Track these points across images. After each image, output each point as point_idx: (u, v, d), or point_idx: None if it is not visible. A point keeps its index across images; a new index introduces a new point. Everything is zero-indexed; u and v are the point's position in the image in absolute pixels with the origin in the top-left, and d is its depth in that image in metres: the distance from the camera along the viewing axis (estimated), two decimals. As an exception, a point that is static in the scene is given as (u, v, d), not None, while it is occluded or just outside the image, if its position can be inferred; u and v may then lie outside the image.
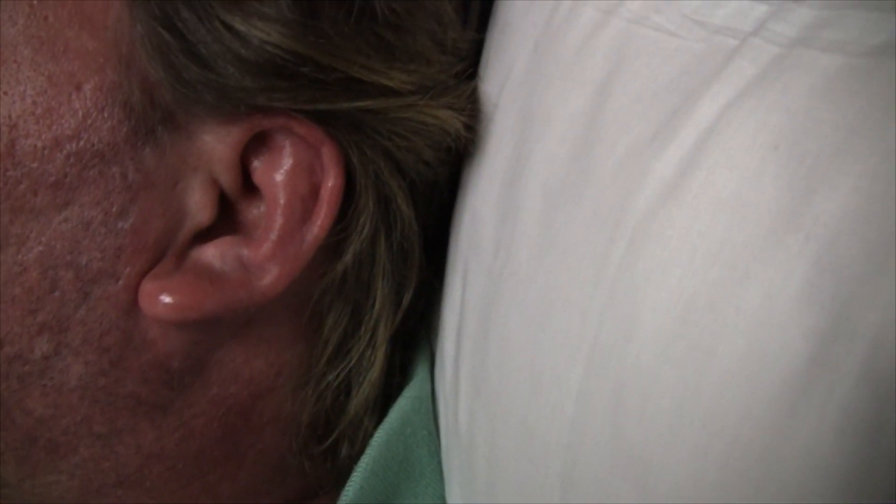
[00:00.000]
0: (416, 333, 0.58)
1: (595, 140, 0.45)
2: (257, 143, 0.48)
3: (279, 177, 0.48)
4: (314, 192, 0.48)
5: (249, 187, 0.48)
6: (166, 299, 0.47)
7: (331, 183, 0.48)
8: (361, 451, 0.53)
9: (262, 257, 0.48)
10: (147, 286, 0.47)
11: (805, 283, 0.38)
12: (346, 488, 0.52)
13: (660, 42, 0.44)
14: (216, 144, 0.47)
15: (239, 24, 0.44)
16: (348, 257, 0.51)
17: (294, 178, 0.48)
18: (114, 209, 0.46)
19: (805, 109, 0.40)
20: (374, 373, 0.53)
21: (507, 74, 0.51)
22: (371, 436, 0.53)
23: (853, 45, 0.39)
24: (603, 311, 0.43)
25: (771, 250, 0.39)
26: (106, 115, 0.45)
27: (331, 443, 0.54)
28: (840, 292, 0.37)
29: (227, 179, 0.48)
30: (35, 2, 0.44)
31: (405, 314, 0.54)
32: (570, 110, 0.46)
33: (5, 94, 0.44)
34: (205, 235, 0.48)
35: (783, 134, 0.40)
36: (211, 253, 0.48)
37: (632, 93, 0.45)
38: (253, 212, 0.49)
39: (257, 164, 0.48)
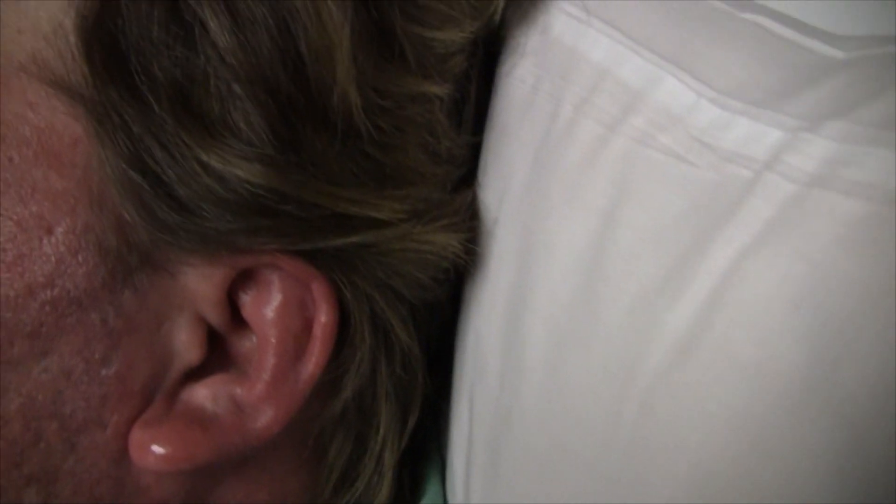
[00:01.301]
0: (424, 445, 0.56)
1: (601, 280, 0.43)
2: (244, 278, 0.46)
3: (269, 313, 0.46)
4: (307, 327, 0.46)
5: (239, 320, 0.46)
6: (158, 450, 0.45)
7: (323, 319, 0.46)
8: None
9: (256, 398, 0.46)
10: (137, 435, 0.45)
11: (835, 469, 0.36)
12: None
13: (667, 167, 0.42)
14: (200, 283, 0.45)
15: (216, 163, 0.42)
16: (347, 392, 0.49)
17: (285, 314, 0.46)
18: (96, 357, 0.44)
19: (828, 263, 0.37)
20: (383, 497, 0.52)
21: (506, 185, 0.49)
22: None
23: (878, 191, 0.37)
24: (617, 475, 0.42)
25: (796, 428, 0.37)
26: (80, 259, 0.43)
27: None
28: (873, 475, 0.35)
29: (215, 316, 0.46)
30: None
31: (411, 434, 0.52)
32: (575, 241, 0.44)
33: None
34: (195, 374, 0.46)
35: (804, 291, 0.37)
36: (202, 394, 0.46)
37: (639, 227, 0.42)
38: (244, 344, 0.47)
39: (246, 300, 0.46)
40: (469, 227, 0.50)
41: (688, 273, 0.40)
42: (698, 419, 0.39)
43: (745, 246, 0.39)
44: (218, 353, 0.47)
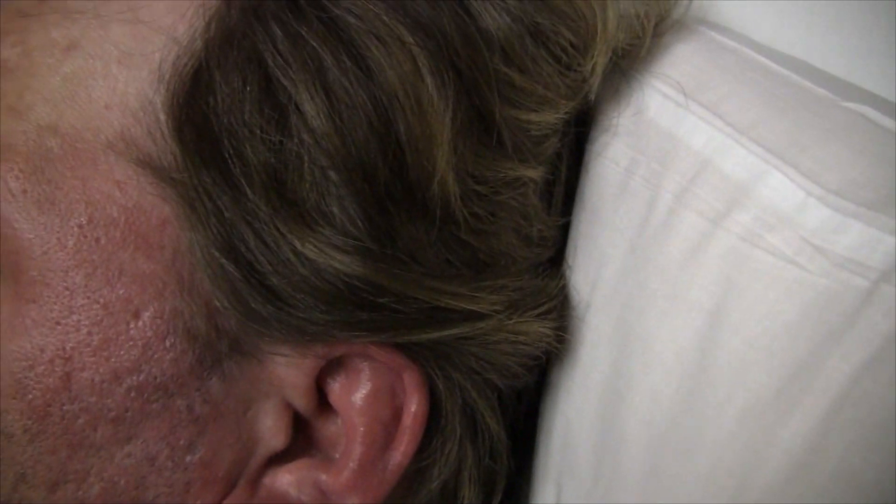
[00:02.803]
0: None
1: (707, 386, 0.42)
2: (333, 364, 0.45)
3: (358, 401, 0.45)
4: (396, 416, 0.45)
5: (325, 404, 0.46)
6: None
7: (413, 408, 0.45)
8: None
9: (342, 486, 0.45)
10: None
11: None
12: None
13: (777, 270, 0.41)
14: (289, 370, 0.44)
15: (312, 253, 0.41)
16: (434, 483, 0.48)
17: (374, 402, 0.45)
18: (181, 443, 0.43)
19: None
20: None
21: (599, 271, 0.48)
22: None
23: None
24: None
25: None
26: (168, 345, 0.42)
27: None
28: None
29: (302, 403, 0.45)
30: (84, 222, 0.42)
31: None
32: (677, 341, 0.43)
33: (57, 324, 0.42)
34: (279, 457, 0.46)
35: None
36: (287, 480, 0.46)
37: (749, 333, 0.41)
38: (330, 428, 0.46)
39: (334, 386, 0.45)
40: (560, 313, 0.49)
41: (803, 387, 0.40)
42: None
43: (863, 362, 0.38)
44: (302, 437, 0.46)
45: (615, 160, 0.48)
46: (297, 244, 0.41)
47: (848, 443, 0.38)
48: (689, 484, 0.42)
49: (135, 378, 0.42)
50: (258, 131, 0.41)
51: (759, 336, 0.41)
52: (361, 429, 0.45)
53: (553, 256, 0.50)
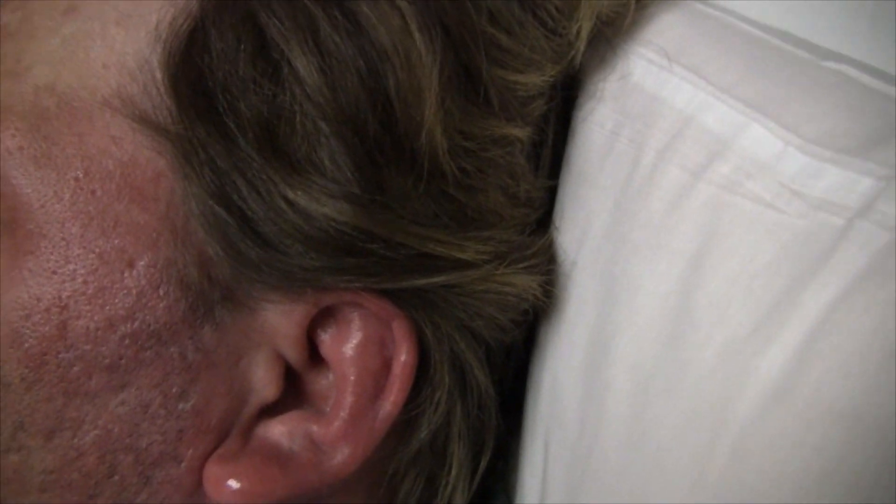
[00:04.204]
0: (493, 489, 0.56)
1: (689, 326, 0.42)
2: (324, 315, 0.46)
3: (348, 351, 0.46)
4: (386, 366, 0.46)
5: (316, 357, 0.46)
6: (234, 485, 0.44)
7: (403, 358, 0.46)
8: None
9: (333, 436, 0.45)
10: (213, 470, 0.45)
11: None
12: None
13: (756, 214, 0.42)
14: (280, 320, 0.45)
15: (302, 200, 0.42)
16: (423, 433, 0.48)
17: (364, 352, 0.45)
18: (173, 391, 0.44)
19: None
20: None
21: (585, 229, 0.49)
22: None
23: None
24: None
25: (894, 478, 0.36)
26: (161, 293, 0.43)
27: None
28: None
29: (293, 354, 0.45)
30: (80, 175, 0.42)
31: (482, 475, 0.52)
32: (659, 287, 0.44)
33: (54, 273, 0.42)
34: (271, 410, 0.46)
35: None
36: (278, 431, 0.46)
37: (727, 274, 0.42)
38: (321, 382, 0.47)
39: (325, 337, 0.46)
40: (548, 270, 0.50)
41: (780, 320, 0.40)
42: (792, 466, 0.38)
43: (838, 294, 0.39)
44: (293, 390, 0.46)
45: (601, 123, 0.49)
46: (289, 192, 0.41)
47: (824, 370, 0.38)
48: (672, 422, 0.42)
49: (129, 326, 0.43)
50: (252, 85, 0.41)
51: (738, 276, 0.42)
52: (352, 378, 0.45)
53: (540, 218, 0.50)
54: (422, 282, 0.44)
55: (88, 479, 0.44)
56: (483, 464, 0.51)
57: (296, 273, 0.43)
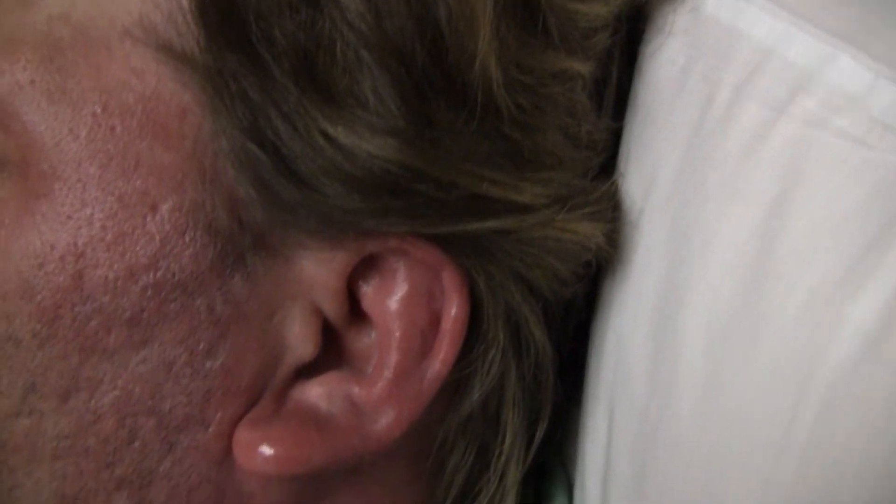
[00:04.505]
0: (550, 462, 0.53)
1: (770, 275, 0.40)
2: (366, 266, 0.43)
3: (393, 304, 0.43)
4: (434, 321, 0.43)
5: (357, 312, 0.44)
6: (267, 451, 0.42)
7: (453, 312, 0.43)
8: None
9: (377, 398, 0.43)
10: (244, 435, 0.42)
11: None
12: None
13: (844, 152, 0.39)
14: (318, 270, 0.42)
15: (343, 136, 0.39)
16: (474, 396, 0.46)
17: (410, 306, 0.43)
18: (200, 347, 0.42)
19: None
20: None
21: (653, 176, 0.46)
22: None
23: None
24: (791, 485, 0.39)
25: None
26: (187, 239, 0.40)
27: None
28: None
29: (332, 308, 0.43)
30: (98, 110, 0.40)
31: (538, 447, 0.49)
32: (736, 235, 0.42)
33: (69, 218, 0.40)
34: (307, 371, 0.44)
35: None
36: (316, 393, 0.44)
37: (813, 217, 0.40)
38: (363, 340, 0.44)
39: (367, 290, 0.43)
40: (612, 218, 0.47)
41: (872, 264, 0.38)
42: (888, 423, 0.37)
43: None
44: (332, 349, 0.44)
45: (671, 60, 0.46)
46: (328, 127, 0.39)
47: None
48: (753, 380, 0.40)
49: (151, 275, 0.41)
50: (287, 11, 0.39)
51: (824, 219, 0.39)
52: (397, 334, 0.43)
53: (604, 164, 0.47)
54: (474, 226, 0.42)
55: (106, 446, 0.42)
56: (539, 433, 0.49)
57: (335, 216, 0.40)
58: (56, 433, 0.42)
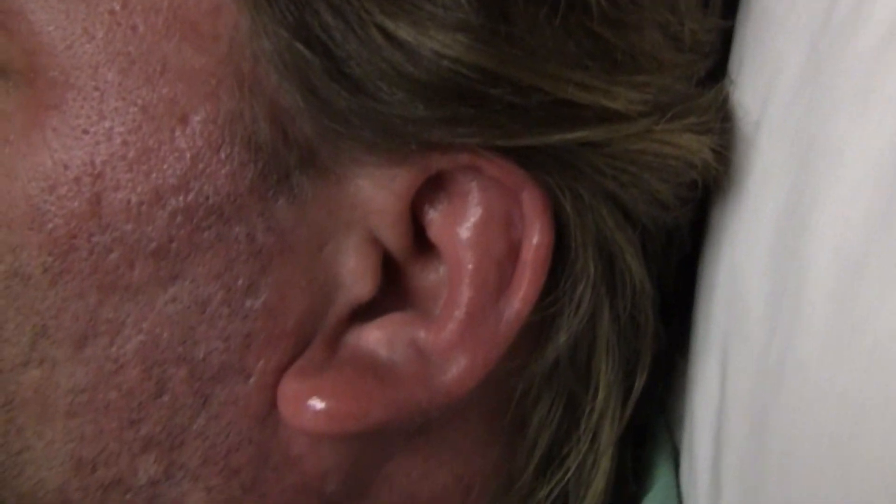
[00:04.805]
0: (651, 423, 0.49)
1: None
2: (433, 188, 0.39)
3: (465, 232, 0.39)
4: (513, 251, 0.39)
5: (422, 244, 0.40)
6: (318, 405, 0.38)
7: (535, 240, 0.39)
8: None
9: (446, 343, 0.39)
10: (290, 387, 0.39)
11: None
12: None
13: None
14: (376, 191, 0.38)
15: (405, 33, 0.36)
16: (561, 339, 0.42)
17: (485, 233, 0.39)
18: (239, 283, 0.38)
19: None
20: (599, 483, 0.44)
21: (771, 83, 0.42)
22: None
23: None
24: None
25: None
26: (223, 156, 0.37)
27: None
28: None
29: (393, 237, 0.39)
30: (117, 7, 0.37)
31: (637, 403, 0.45)
32: (872, 144, 0.37)
33: (85, 132, 0.37)
34: (364, 312, 0.40)
35: None
36: (374, 337, 0.40)
37: None
38: (429, 276, 0.41)
39: (434, 215, 0.40)
40: (721, 132, 0.43)
41: None
42: None
43: None
44: (393, 286, 0.41)
45: None
46: (387, 22, 0.36)
47: None
48: (892, 317, 0.35)
49: (181, 199, 0.37)
50: None
51: None
52: (470, 267, 0.39)
53: (711, 69, 0.44)
54: (559, 137, 0.38)
55: (130, 400, 0.39)
56: (638, 386, 0.45)
57: (396, 126, 0.37)
58: (71, 386, 0.39)
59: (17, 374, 0.39)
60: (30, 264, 0.38)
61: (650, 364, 0.45)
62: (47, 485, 0.40)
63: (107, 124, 0.37)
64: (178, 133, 0.37)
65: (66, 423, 0.39)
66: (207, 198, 0.37)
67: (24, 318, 0.38)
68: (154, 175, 0.37)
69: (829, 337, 0.38)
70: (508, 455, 0.44)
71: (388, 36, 0.36)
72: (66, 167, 0.37)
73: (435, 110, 0.37)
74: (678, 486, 0.47)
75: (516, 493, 0.44)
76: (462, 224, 0.39)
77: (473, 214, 0.39)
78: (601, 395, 0.44)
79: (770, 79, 0.43)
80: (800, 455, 0.39)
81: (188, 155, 0.37)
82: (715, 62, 0.44)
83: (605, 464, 0.44)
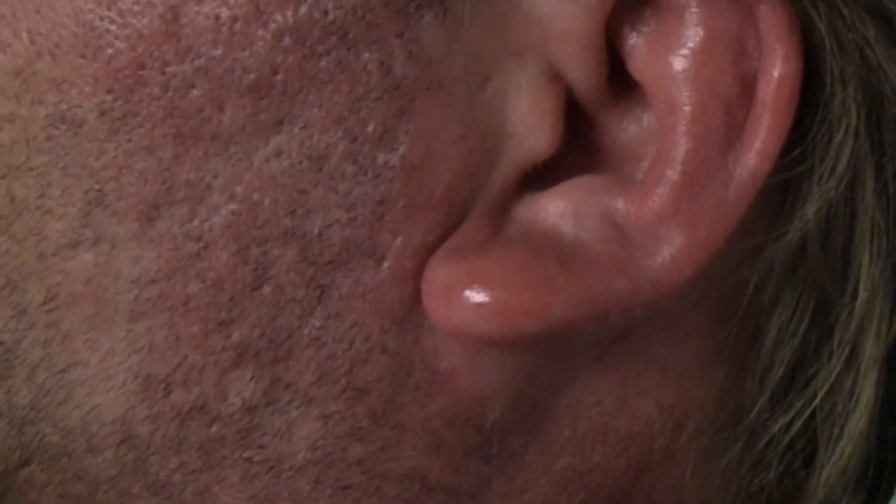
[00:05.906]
0: None
1: None
2: (636, 2, 0.32)
3: (680, 63, 0.31)
4: (746, 88, 0.31)
5: (620, 83, 0.32)
6: (479, 297, 0.31)
7: (777, 71, 0.31)
8: None
9: (655, 215, 0.31)
10: (440, 273, 0.32)
11: None
12: None
13: None
14: (560, 7, 0.31)
15: None
16: (810, 211, 0.33)
17: (709, 64, 0.31)
18: (369, 131, 0.31)
19: None
20: (860, 420, 0.36)
21: None
22: None
23: None
24: None
25: None
26: None
27: None
28: None
29: (581, 71, 0.31)
30: None
31: None
32: None
33: None
34: (541, 175, 0.33)
35: None
36: (555, 209, 0.32)
37: None
38: (629, 127, 0.33)
39: (636, 42, 0.32)
40: None
41: None
42: None
43: None
44: (580, 142, 0.33)
45: None
46: None
47: None
48: None
49: (289, 13, 0.30)
50: None
51: None
52: (687, 109, 0.31)
53: None
54: None
55: (218, 293, 0.31)
56: None
57: None
58: (137, 275, 0.32)
59: (64, 259, 0.32)
60: (81, 106, 0.31)
61: None
62: (104, 414, 0.32)
63: None
64: None
65: (129, 327, 0.32)
66: (326, 12, 0.30)
67: (73, 180, 0.31)
68: None
69: None
70: (733, 378, 0.36)
71: None
72: None
73: None
74: None
75: (743, 431, 0.36)
76: (676, 51, 0.31)
77: (692, 38, 0.31)
78: (862, 295, 0.35)
79: None
80: None
81: None
82: None
83: (867, 392, 0.35)
